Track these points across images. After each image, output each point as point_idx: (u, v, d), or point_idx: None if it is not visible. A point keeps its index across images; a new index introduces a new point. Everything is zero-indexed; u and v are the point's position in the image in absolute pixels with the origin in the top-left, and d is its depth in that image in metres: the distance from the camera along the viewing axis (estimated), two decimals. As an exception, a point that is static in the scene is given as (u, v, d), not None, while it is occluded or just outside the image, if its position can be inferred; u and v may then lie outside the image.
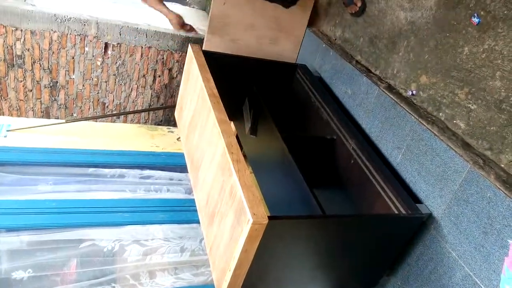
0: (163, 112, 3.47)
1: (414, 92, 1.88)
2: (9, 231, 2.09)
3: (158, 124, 3.49)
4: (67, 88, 3.09)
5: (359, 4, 2.21)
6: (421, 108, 1.82)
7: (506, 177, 1.43)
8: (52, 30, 2.81)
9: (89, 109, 3.24)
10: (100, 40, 2.95)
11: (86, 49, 2.96)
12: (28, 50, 2.84)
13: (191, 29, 2.48)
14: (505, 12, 1.46)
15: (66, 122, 2.96)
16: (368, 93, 2.11)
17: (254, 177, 2.33)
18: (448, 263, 1.60)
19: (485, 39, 1.54)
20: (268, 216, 1.35)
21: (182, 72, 2.95)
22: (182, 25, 2.40)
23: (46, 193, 2.35)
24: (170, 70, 3.24)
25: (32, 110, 3.12)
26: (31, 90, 3.02)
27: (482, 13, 1.54)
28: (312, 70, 2.60)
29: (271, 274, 1.61)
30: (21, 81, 2.95)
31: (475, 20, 1.56)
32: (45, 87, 3.03)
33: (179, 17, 2.37)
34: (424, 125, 1.75)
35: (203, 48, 2.52)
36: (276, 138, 2.02)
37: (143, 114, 3.43)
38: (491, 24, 1.51)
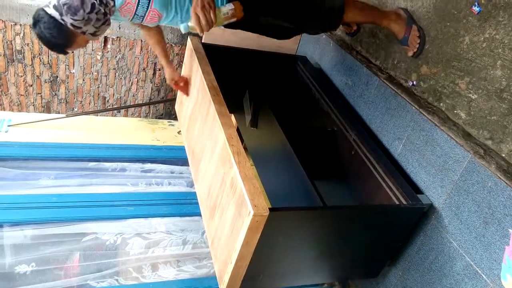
0: (164, 106, 3.47)
1: (414, 82, 1.87)
2: (12, 226, 2.10)
3: (159, 118, 3.49)
4: (67, 83, 3.08)
5: (354, 27, 2.26)
6: (422, 99, 1.82)
7: (507, 167, 1.43)
8: (51, 24, 2.80)
9: (89, 103, 3.24)
10: (99, 34, 2.94)
11: (86, 43, 2.95)
12: (28, 45, 2.84)
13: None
14: (506, 0, 1.45)
15: (67, 116, 2.96)
16: (368, 84, 2.10)
17: (255, 170, 2.34)
18: (449, 253, 1.60)
19: (486, 28, 1.52)
20: (269, 208, 1.36)
21: (182, 65, 2.94)
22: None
23: (48, 188, 2.36)
24: (170, 63, 3.23)
25: (33, 105, 3.12)
26: (31, 85, 3.02)
27: (482, 1, 1.53)
28: (312, 61, 2.58)
29: (273, 266, 1.62)
30: (21, 76, 2.95)
31: (476, 9, 1.55)
32: (45, 81, 3.03)
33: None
34: (425, 116, 1.74)
35: (202, 41, 2.51)
36: (277, 130, 2.02)
37: (143, 108, 3.43)
38: (492, 12, 1.50)
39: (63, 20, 1.42)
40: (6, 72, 2.91)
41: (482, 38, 1.54)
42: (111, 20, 1.60)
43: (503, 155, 1.47)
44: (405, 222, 1.71)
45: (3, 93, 2.99)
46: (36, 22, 1.45)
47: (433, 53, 1.77)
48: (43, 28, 1.43)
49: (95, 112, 3.20)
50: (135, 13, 1.58)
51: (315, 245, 1.65)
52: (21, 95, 3.04)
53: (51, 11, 1.42)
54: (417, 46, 1.81)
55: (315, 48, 2.62)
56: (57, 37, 1.45)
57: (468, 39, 1.60)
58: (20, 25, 2.75)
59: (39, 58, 2.91)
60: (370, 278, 2.01)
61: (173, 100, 3.29)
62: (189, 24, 1.41)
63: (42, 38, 1.47)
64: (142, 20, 1.63)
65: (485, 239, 1.46)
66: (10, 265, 1.97)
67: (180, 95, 2.44)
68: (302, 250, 1.64)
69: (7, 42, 2.78)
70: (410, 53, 1.84)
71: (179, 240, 2.27)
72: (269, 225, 1.38)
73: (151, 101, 3.38)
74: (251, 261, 1.48)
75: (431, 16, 1.78)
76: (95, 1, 1.45)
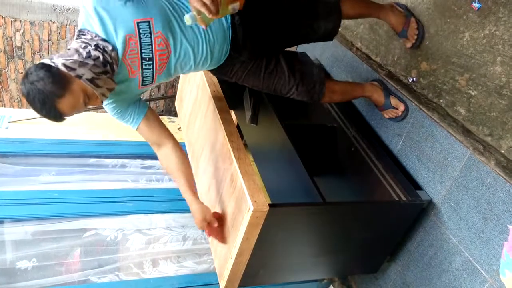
0: (164, 102, 3.47)
1: (414, 79, 1.87)
2: (13, 222, 2.11)
3: (159, 114, 3.48)
4: (67, 79, 3.09)
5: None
6: (422, 95, 1.82)
7: (506, 163, 1.43)
8: (51, 20, 2.80)
9: (90, 100, 3.24)
10: (99, 30, 2.94)
11: (86, 39, 2.95)
12: (28, 41, 2.84)
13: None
14: (506, -4, 1.45)
15: (67, 113, 2.96)
16: (368, 81, 2.10)
17: (255, 166, 2.34)
18: (448, 248, 1.61)
19: (486, 25, 1.52)
20: (268, 204, 1.36)
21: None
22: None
23: (49, 184, 2.37)
24: (170, 59, 3.23)
25: (33, 102, 3.12)
26: (31, 82, 3.02)
27: (483, -2, 1.53)
28: (313, 58, 2.58)
29: (273, 261, 1.63)
30: (22, 72, 2.95)
31: (476, 5, 1.54)
32: (45, 78, 3.03)
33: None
34: (425, 112, 1.75)
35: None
36: (277, 127, 2.02)
37: (144, 104, 3.43)
38: (492, 9, 1.50)
39: (53, 62, 1.21)
40: (6, 69, 2.91)
41: (482, 35, 1.54)
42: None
43: (503, 151, 1.47)
44: (405, 218, 1.72)
45: (3, 89, 2.99)
46: (24, 76, 1.21)
47: (433, 49, 1.77)
48: (29, 73, 1.19)
49: (95, 109, 3.20)
50: (141, 57, 1.34)
51: (314, 241, 1.66)
52: (22, 91, 3.04)
53: (43, 60, 1.24)
54: (416, 37, 1.80)
55: (315, 45, 2.62)
56: (45, 79, 1.17)
57: (468, 35, 1.60)
58: (20, 21, 2.75)
59: (39, 54, 2.91)
60: (369, 273, 2.02)
61: (173, 96, 3.29)
62: (194, 13, 1.19)
63: (28, 92, 1.19)
64: (152, 65, 1.37)
65: (484, 235, 1.47)
66: (11, 261, 1.98)
67: (180, 91, 2.44)
68: (301, 246, 1.64)
69: (7, 38, 2.79)
70: (409, 45, 1.84)
71: (179, 236, 2.28)
72: (269, 221, 1.39)
73: (151, 97, 3.38)
74: (251, 256, 1.49)
75: (431, 13, 1.78)
76: (90, 49, 1.25)
